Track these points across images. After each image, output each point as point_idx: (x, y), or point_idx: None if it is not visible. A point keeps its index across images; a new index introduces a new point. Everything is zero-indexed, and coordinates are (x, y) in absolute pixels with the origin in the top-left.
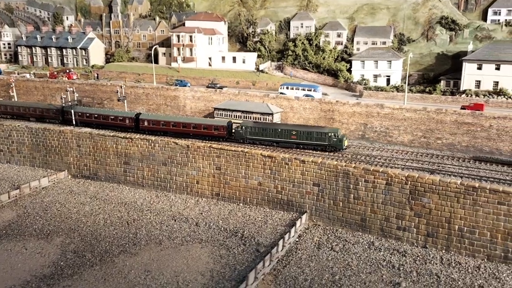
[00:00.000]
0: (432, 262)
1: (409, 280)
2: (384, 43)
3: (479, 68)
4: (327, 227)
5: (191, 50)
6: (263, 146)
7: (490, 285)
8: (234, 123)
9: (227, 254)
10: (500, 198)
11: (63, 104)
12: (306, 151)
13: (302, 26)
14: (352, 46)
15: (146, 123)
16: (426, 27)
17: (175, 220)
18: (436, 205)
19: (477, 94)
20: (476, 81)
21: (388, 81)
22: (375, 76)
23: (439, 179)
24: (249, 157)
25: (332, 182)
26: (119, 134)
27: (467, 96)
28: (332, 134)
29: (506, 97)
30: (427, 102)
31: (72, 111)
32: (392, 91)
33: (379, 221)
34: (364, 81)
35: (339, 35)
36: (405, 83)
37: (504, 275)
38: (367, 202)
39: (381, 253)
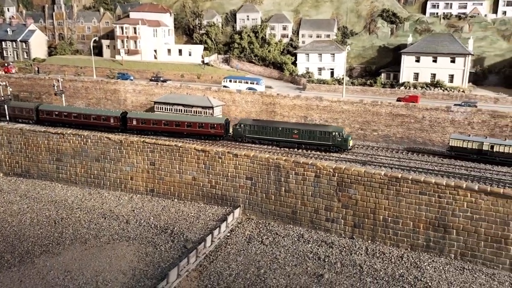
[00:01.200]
0: (358, 252)
1: (333, 271)
2: (328, 36)
3: (417, 60)
4: (260, 221)
5: (135, 42)
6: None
7: (411, 274)
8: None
9: (153, 252)
10: (422, 188)
11: None
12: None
13: (248, 19)
14: (298, 39)
15: (134, 122)
16: (368, 20)
17: (105, 218)
18: (362, 196)
19: (415, 86)
20: (414, 73)
21: (332, 74)
22: (320, 69)
23: (364, 171)
24: (183, 152)
25: (264, 175)
26: (50, 129)
27: (406, 88)
28: (337, 133)
29: (442, 88)
30: (367, 95)
31: (6, 106)
32: (334, 84)
33: (309, 213)
34: (308, 74)
35: (284, 28)
36: (348, 76)
37: (425, 264)
38: (298, 195)
39: (309, 245)
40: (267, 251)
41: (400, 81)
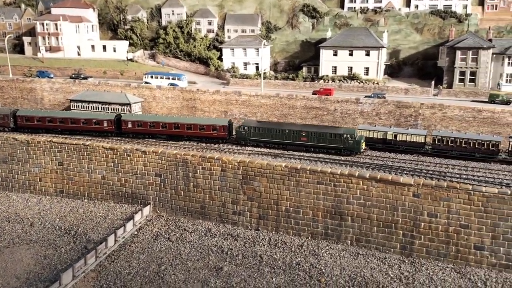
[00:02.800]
0: (261, 244)
1: (233, 263)
2: (253, 31)
3: (335, 54)
4: (170, 217)
5: (57, 39)
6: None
7: (307, 262)
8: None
9: (53, 254)
10: (319, 178)
11: None
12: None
13: (173, 14)
14: (223, 34)
15: (130, 125)
16: (290, 15)
17: (9, 222)
18: (266, 188)
19: (333, 80)
20: (333, 67)
21: (257, 68)
22: (245, 64)
23: (267, 163)
24: (91, 151)
25: (173, 171)
26: None
27: (325, 81)
28: (348, 135)
29: (358, 81)
30: (288, 89)
31: None
32: (257, 79)
33: (217, 207)
34: (233, 69)
35: (210, 23)
36: (273, 70)
37: (322, 251)
38: (206, 190)
39: (215, 239)
40: (172, 248)
41: (320, 75)
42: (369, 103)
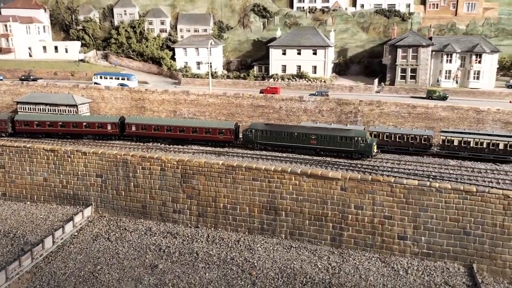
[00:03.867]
0: (199, 240)
1: (169, 261)
2: (206, 30)
3: (284, 53)
4: (111, 218)
5: (7, 40)
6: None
7: (242, 256)
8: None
9: None
10: (254, 174)
11: None
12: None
13: (125, 14)
14: (176, 34)
15: (133, 128)
16: (241, 15)
17: None
18: (204, 186)
19: (282, 78)
20: (282, 65)
21: (210, 67)
22: (198, 63)
23: (204, 161)
24: (32, 153)
25: (114, 172)
26: None
27: (274, 80)
28: (360, 138)
29: (306, 79)
30: (239, 87)
31: None
32: (208, 78)
33: (157, 206)
34: (185, 69)
35: (162, 23)
36: (226, 69)
37: (257, 245)
38: (146, 189)
39: (155, 237)
40: (110, 247)
41: (270, 74)
42: (312, 101)
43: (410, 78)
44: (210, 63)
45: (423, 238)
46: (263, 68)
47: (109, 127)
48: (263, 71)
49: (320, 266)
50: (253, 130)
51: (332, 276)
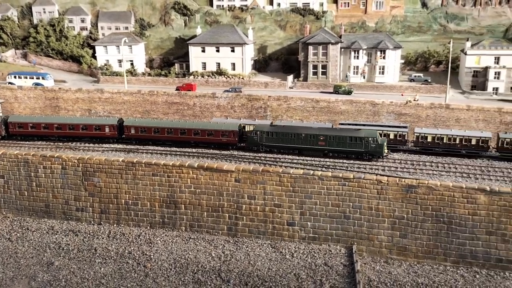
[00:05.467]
0: (100, 237)
1: (66, 258)
2: (127, 28)
3: (203, 50)
4: (15, 218)
5: None
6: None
7: (140, 250)
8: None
9: None
10: (154, 170)
11: None
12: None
13: (44, 12)
14: (97, 32)
15: (133, 131)
16: (162, 12)
17: None
18: (105, 183)
19: (202, 75)
20: (202, 63)
21: (132, 65)
22: (119, 61)
23: (105, 159)
24: None
25: (16, 172)
26: None
27: (194, 77)
28: (370, 138)
29: (225, 76)
30: (158, 85)
31: None
32: (127, 76)
33: (60, 205)
34: (106, 67)
35: (83, 21)
36: (149, 67)
37: (157, 239)
38: (48, 188)
39: (56, 236)
40: (10, 247)
41: (190, 71)
42: (224, 97)
43: (322, 74)
44: (132, 61)
45: (309, 223)
46: (184, 65)
47: (107, 130)
48: (184, 68)
49: (213, 255)
50: (258, 132)
51: (223, 263)
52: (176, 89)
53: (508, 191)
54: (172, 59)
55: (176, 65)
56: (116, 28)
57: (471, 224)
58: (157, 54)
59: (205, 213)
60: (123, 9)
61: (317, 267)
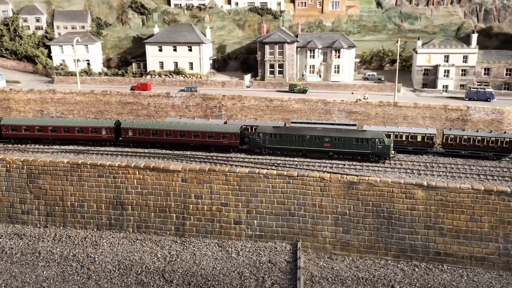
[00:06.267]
0: (45, 240)
1: (9, 262)
2: (83, 27)
3: (160, 50)
4: None
5: None
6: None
7: (85, 253)
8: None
9: None
10: (99, 171)
11: None
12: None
13: None
14: (53, 31)
15: (130, 133)
16: (120, 11)
17: None
18: (50, 185)
19: (160, 75)
20: (159, 62)
21: (88, 65)
22: (76, 61)
23: (50, 160)
24: None
25: None
26: None
27: (151, 77)
28: (377, 139)
29: (183, 76)
30: (114, 85)
31: None
32: (82, 76)
33: (5, 208)
34: (61, 66)
35: (38, 20)
36: (106, 66)
37: (103, 241)
38: None
39: (0, 240)
40: None
41: (148, 70)
42: (179, 97)
43: (278, 73)
44: (88, 60)
45: (255, 221)
46: (142, 65)
47: (103, 132)
48: (141, 68)
49: (159, 256)
50: (260, 134)
51: (168, 264)
52: (131, 89)
53: (444, 186)
54: (130, 58)
55: (134, 65)
56: (73, 28)
57: (410, 218)
58: (115, 54)
59: (152, 213)
60: (79, 8)
61: (261, 264)
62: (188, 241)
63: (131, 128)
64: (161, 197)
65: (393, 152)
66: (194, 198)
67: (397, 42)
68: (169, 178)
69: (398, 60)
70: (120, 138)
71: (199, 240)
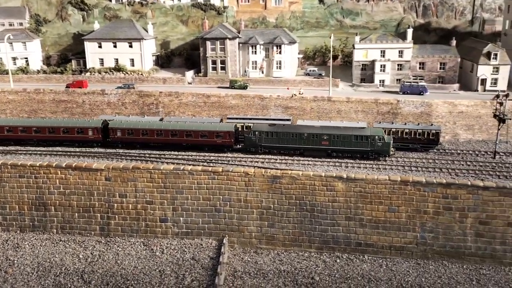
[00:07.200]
0: None
1: None
2: (21, 24)
3: (100, 46)
4: None
5: None
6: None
7: (4, 255)
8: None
9: None
10: (20, 171)
11: None
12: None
13: None
14: None
15: (119, 133)
16: (59, 8)
17: None
18: None
19: (99, 72)
20: (99, 59)
21: (27, 63)
22: (14, 59)
23: None
24: None
25: None
26: None
27: (91, 74)
28: (376, 137)
29: (123, 72)
30: (52, 82)
31: None
32: (18, 74)
33: None
34: None
35: None
36: (46, 64)
37: (26, 243)
38: None
39: None
40: None
41: (88, 67)
42: (115, 94)
43: (221, 69)
44: (24, 58)
45: (181, 218)
46: (82, 62)
47: (90, 133)
48: (81, 65)
49: (81, 257)
50: (256, 132)
51: (89, 264)
52: (66, 87)
53: (363, 178)
54: (70, 55)
55: (73, 62)
56: (10, 24)
57: (331, 210)
58: (55, 51)
59: (76, 214)
60: (17, 4)
61: (184, 261)
62: (113, 241)
63: (120, 128)
64: (85, 197)
65: (393, 149)
66: (119, 196)
67: (330, 37)
68: (92, 177)
69: (331, 56)
70: (108, 139)
71: (124, 240)
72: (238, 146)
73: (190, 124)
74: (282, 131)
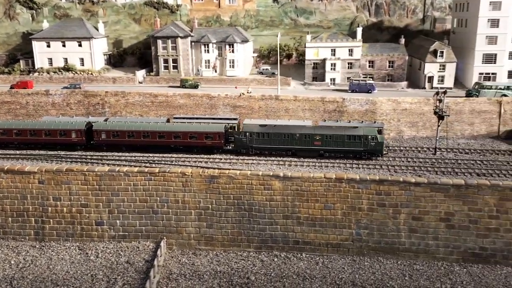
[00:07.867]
0: None
1: None
2: None
3: (48, 46)
4: None
5: None
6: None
7: None
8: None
9: None
10: None
11: None
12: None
13: None
14: None
15: (103, 136)
16: (7, 6)
17: None
18: None
19: (48, 72)
20: (48, 58)
21: None
22: None
23: None
24: None
25: None
26: None
27: (39, 74)
28: (369, 136)
29: (73, 72)
30: None
31: None
32: None
33: None
34: None
35: None
36: None
37: None
38: None
39: None
40: None
41: (36, 67)
42: (59, 94)
43: (173, 68)
44: None
45: (118, 221)
46: (30, 62)
47: (73, 135)
48: (30, 65)
49: (12, 263)
50: (247, 133)
51: (19, 270)
52: (11, 87)
53: (299, 176)
54: (19, 55)
55: (21, 62)
56: None
57: (269, 209)
58: (3, 51)
59: (10, 218)
60: None
61: (118, 265)
62: (47, 246)
63: (104, 130)
64: (18, 201)
65: (385, 149)
66: (53, 200)
67: (277, 36)
68: (25, 180)
69: (279, 55)
70: (93, 142)
71: (59, 244)
72: (228, 147)
73: (178, 125)
74: (273, 132)
